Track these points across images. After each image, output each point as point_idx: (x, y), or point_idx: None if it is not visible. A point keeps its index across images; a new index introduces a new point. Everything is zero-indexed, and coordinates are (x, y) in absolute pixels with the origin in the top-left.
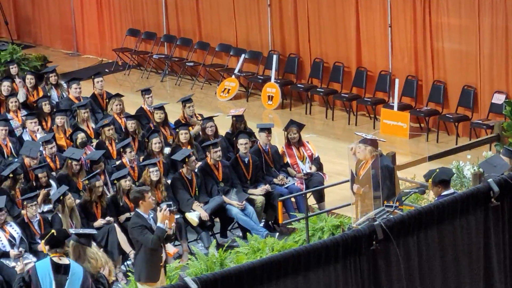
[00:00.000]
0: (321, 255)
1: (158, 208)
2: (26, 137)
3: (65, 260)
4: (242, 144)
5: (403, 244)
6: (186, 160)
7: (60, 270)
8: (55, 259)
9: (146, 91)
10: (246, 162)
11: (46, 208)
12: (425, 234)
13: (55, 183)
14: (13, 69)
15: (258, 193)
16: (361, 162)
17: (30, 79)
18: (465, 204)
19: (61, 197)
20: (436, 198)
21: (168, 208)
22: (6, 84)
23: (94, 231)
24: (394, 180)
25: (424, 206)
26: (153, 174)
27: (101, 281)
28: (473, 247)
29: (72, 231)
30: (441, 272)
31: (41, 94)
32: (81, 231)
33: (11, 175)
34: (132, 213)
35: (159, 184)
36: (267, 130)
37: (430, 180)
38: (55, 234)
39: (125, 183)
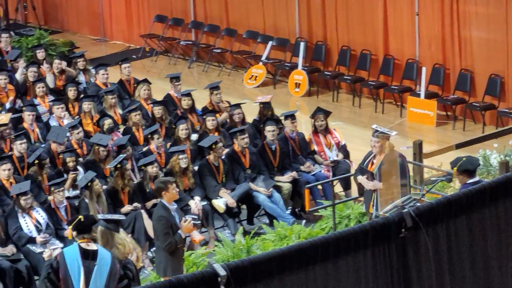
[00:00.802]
0: (350, 242)
1: (183, 219)
2: (53, 122)
3: (93, 246)
4: (270, 131)
5: (432, 232)
6: (213, 146)
7: (88, 256)
8: (83, 245)
9: (175, 78)
10: (273, 149)
11: (72, 193)
12: (454, 222)
13: (82, 169)
14: (40, 54)
15: (285, 180)
16: (369, 156)
17: (57, 64)
18: (494, 193)
19: (89, 183)
20: (461, 186)
21: (192, 221)
22: (32, 70)
23: (122, 217)
24: (407, 172)
25: (453, 194)
26: (182, 161)
27: (128, 267)
28: (502, 236)
29: (100, 216)
30: (470, 261)
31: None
32: (109, 217)
33: (36, 161)
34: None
35: (187, 171)
36: (290, 117)
37: (455, 168)
38: (82, 219)
39: (152, 169)
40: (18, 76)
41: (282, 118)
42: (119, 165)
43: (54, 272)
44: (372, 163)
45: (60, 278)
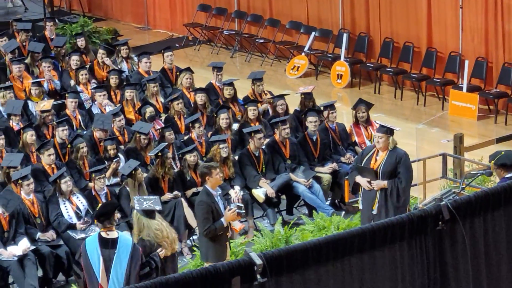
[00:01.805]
0: (387, 234)
1: (228, 207)
2: (95, 110)
3: (113, 234)
4: (311, 122)
5: (469, 225)
6: (252, 134)
7: (108, 245)
8: (103, 234)
9: (218, 68)
10: (314, 140)
11: (113, 181)
12: (492, 216)
13: (123, 157)
14: (80, 42)
15: (325, 171)
16: (369, 152)
17: (102, 54)
18: None
19: (132, 172)
20: (499, 181)
21: (237, 210)
22: (74, 58)
23: (158, 207)
24: (411, 170)
25: (491, 188)
26: (223, 150)
27: (154, 258)
28: None
29: (135, 199)
30: (507, 255)
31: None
32: (147, 206)
33: (69, 146)
34: (199, 188)
35: (227, 160)
36: (330, 107)
37: (493, 162)
38: (103, 207)
39: (191, 158)
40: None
41: (321, 108)
42: (160, 153)
43: (76, 263)
44: (376, 160)
45: (83, 267)
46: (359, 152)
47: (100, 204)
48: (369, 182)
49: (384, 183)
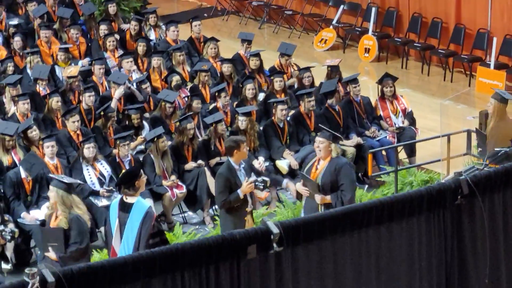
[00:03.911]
0: (405, 207)
1: (246, 178)
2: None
3: (132, 199)
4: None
5: (488, 200)
6: (275, 105)
7: (125, 209)
8: (124, 198)
9: (247, 42)
10: (336, 110)
11: (138, 148)
12: (511, 192)
13: (148, 124)
14: (111, 9)
15: (349, 144)
16: (311, 159)
17: (134, 25)
18: None
19: (155, 139)
20: None
21: (255, 183)
22: (103, 27)
23: (77, 181)
24: (353, 179)
25: (510, 164)
26: (241, 123)
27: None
28: None
29: (53, 177)
30: None
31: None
32: (66, 180)
33: (102, 113)
34: (223, 158)
35: (251, 131)
36: (353, 81)
37: None
38: (125, 174)
39: (220, 128)
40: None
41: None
42: (178, 123)
43: (105, 224)
44: (316, 169)
45: (106, 229)
46: (306, 159)
47: (123, 172)
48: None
49: (327, 198)
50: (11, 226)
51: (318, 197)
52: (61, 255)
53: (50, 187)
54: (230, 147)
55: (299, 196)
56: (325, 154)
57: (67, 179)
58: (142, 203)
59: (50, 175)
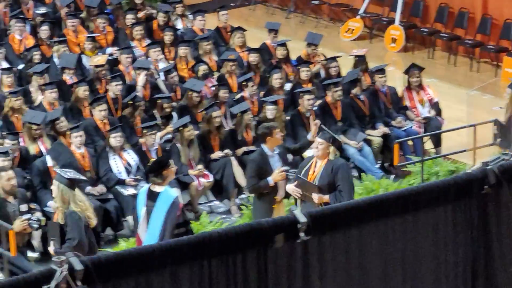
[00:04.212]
0: (432, 196)
1: (278, 167)
2: (151, 67)
3: (160, 188)
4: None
5: None
6: (301, 94)
7: (152, 197)
8: (151, 187)
9: (274, 31)
10: (361, 99)
11: (165, 137)
12: None
13: (175, 114)
14: None
15: (375, 134)
16: (308, 162)
17: (163, 17)
18: None
19: (180, 128)
20: None
21: (287, 173)
22: (129, 17)
23: (82, 177)
24: (350, 181)
25: None
26: (269, 112)
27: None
28: None
29: (57, 171)
30: None
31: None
32: (70, 175)
33: (130, 102)
34: (250, 147)
35: (278, 120)
36: (380, 71)
37: None
38: (154, 163)
39: (247, 117)
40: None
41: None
42: (204, 112)
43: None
44: (314, 171)
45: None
46: (302, 162)
47: (152, 160)
48: (304, 195)
49: (325, 197)
50: (38, 214)
51: (315, 197)
52: (57, 250)
53: (53, 181)
54: (263, 134)
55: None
56: (322, 155)
57: (72, 174)
58: (169, 193)
59: (55, 169)
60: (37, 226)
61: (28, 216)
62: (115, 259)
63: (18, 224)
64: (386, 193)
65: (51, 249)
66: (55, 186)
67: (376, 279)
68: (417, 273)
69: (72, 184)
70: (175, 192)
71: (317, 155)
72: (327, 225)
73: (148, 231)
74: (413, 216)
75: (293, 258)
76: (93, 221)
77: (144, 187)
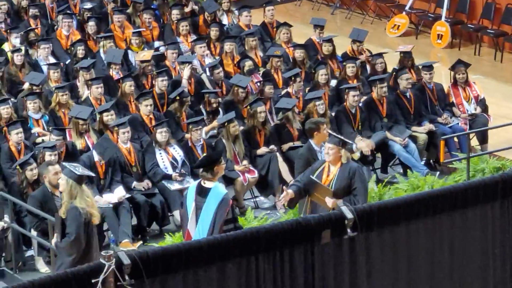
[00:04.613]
0: (479, 193)
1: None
2: (194, 61)
3: (210, 184)
4: (406, 79)
5: None
6: (346, 90)
7: (202, 193)
8: (202, 182)
9: (320, 27)
10: (408, 97)
11: (210, 133)
12: None
13: (221, 109)
14: None
15: (421, 130)
16: (320, 166)
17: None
18: None
19: (226, 123)
20: None
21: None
22: (175, 12)
23: (90, 173)
24: (366, 183)
25: None
26: (319, 107)
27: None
28: None
29: (67, 165)
30: None
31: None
32: (79, 170)
33: (177, 98)
34: (296, 143)
35: (324, 117)
36: (428, 68)
37: None
38: (204, 158)
39: (291, 114)
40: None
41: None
42: (249, 107)
43: (181, 206)
44: (328, 175)
45: (182, 212)
46: (310, 167)
47: (203, 155)
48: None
49: (339, 202)
50: None
51: (329, 201)
52: (57, 244)
53: (62, 175)
54: (310, 129)
55: (290, 204)
56: (334, 160)
57: (80, 170)
58: (219, 189)
59: (63, 163)
60: None
61: None
62: (162, 254)
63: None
64: (433, 190)
65: (53, 241)
66: (64, 181)
67: (424, 275)
68: (464, 270)
69: (80, 179)
70: (224, 188)
71: (329, 160)
72: (374, 221)
73: (198, 227)
74: (460, 213)
75: (340, 255)
76: (96, 219)
77: (194, 182)
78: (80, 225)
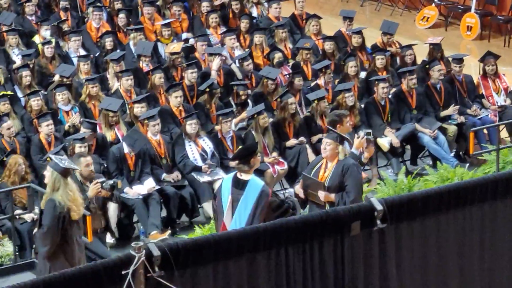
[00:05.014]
0: (509, 185)
1: (356, 135)
2: (224, 52)
3: (246, 176)
4: (438, 70)
5: None
6: (376, 82)
7: (239, 185)
8: (238, 175)
9: (349, 19)
10: (438, 89)
11: (239, 125)
12: None
13: (251, 101)
14: None
15: (450, 112)
16: (317, 162)
17: (235, 5)
18: None
19: (255, 115)
20: None
21: (366, 136)
22: (205, 4)
23: (77, 167)
24: (359, 181)
25: None
26: (349, 99)
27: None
28: None
29: (53, 157)
30: None
31: None
32: (65, 163)
33: (207, 90)
34: (325, 135)
35: (353, 109)
36: (458, 60)
37: None
38: (241, 150)
39: (324, 104)
40: None
41: (450, 60)
42: (279, 99)
43: (214, 198)
44: (325, 171)
45: (216, 204)
46: (311, 162)
47: (239, 147)
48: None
49: (331, 196)
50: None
51: (322, 194)
52: (35, 233)
53: (47, 167)
54: (333, 121)
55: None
56: (331, 156)
57: (66, 163)
58: (256, 181)
59: (50, 155)
60: (109, 187)
61: (101, 179)
62: (192, 245)
63: (92, 188)
64: (463, 181)
65: (35, 231)
66: (49, 173)
67: (453, 267)
68: (494, 261)
69: (65, 172)
70: (259, 180)
71: (326, 156)
72: (404, 213)
73: (234, 219)
74: (490, 205)
75: (369, 246)
76: (76, 215)
77: (229, 174)
78: (53, 218)
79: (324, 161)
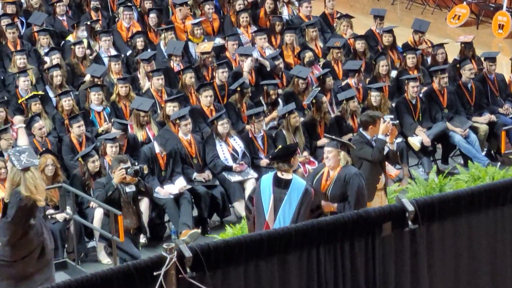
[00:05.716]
0: None
1: (382, 120)
2: (254, 53)
3: (288, 176)
4: (469, 69)
5: None
6: (406, 81)
7: (281, 185)
8: (279, 174)
9: (380, 18)
10: (469, 88)
11: (270, 124)
12: None
13: (281, 100)
14: None
15: (482, 121)
16: (320, 170)
17: (269, 4)
18: None
19: (286, 114)
20: None
21: (391, 121)
22: (235, 3)
23: (36, 161)
24: (361, 192)
25: None
26: (374, 99)
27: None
28: None
29: (10, 153)
30: None
31: None
32: (26, 162)
33: (238, 89)
34: (355, 134)
35: (384, 107)
36: (490, 59)
37: None
38: (281, 150)
39: (353, 104)
40: None
41: (482, 58)
42: (314, 100)
43: (249, 198)
44: (327, 180)
45: (254, 203)
46: (313, 170)
47: (279, 146)
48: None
49: (334, 206)
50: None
51: (323, 204)
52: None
53: (8, 162)
54: (366, 122)
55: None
56: (334, 164)
57: (23, 163)
58: (299, 180)
59: (8, 151)
60: (133, 172)
61: (126, 165)
62: (224, 246)
63: (117, 174)
64: (495, 182)
65: None
66: (9, 168)
67: (485, 267)
68: None
69: (24, 168)
70: (301, 179)
71: (329, 166)
72: (436, 213)
73: (278, 218)
74: None
75: (401, 247)
76: (42, 202)
77: (268, 174)
78: (18, 210)
79: (326, 170)
